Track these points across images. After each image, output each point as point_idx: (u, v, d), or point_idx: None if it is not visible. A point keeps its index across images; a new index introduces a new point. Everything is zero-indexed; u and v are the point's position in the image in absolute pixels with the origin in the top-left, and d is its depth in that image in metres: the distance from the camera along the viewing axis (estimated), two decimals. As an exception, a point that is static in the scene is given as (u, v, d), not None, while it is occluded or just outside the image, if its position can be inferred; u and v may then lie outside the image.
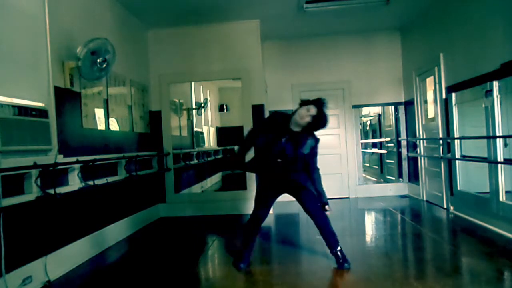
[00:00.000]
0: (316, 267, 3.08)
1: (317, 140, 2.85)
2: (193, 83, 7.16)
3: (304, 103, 2.76)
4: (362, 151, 7.25)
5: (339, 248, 2.96)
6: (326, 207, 2.92)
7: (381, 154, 7.70)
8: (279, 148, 2.80)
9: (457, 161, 4.63)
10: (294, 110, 2.86)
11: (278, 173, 2.91)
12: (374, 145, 8.55)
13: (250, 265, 3.10)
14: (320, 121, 2.73)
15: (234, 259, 3.14)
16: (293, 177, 2.91)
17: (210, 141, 8.41)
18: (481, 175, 4.09)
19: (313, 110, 2.70)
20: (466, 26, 4.35)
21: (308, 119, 2.70)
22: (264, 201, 3.02)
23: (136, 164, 4.56)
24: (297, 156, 2.81)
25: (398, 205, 5.61)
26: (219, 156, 8.40)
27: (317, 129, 2.78)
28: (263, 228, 3.24)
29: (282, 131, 2.81)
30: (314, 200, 2.94)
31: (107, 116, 4.16)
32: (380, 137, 7.79)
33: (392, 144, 6.85)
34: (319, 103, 2.72)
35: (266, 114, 5.63)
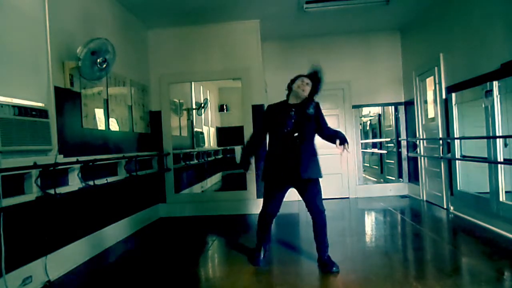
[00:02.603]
0: (316, 266, 3.07)
1: (317, 103, 3.02)
2: (193, 83, 7.16)
3: (295, 78, 3.01)
4: (362, 151, 7.24)
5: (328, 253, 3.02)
6: (345, 145, 2.90)
7: (381, 154, 7.69)
8: (289, 127, 2.91)
9: (457, 161, 4.63)
10: (288, 86, 3.04)
11: (294, 153, 2.89)
12: (374, 145, 8.55)
13: (267, 264, 3.13)
14: (317, 84, 2.98)
15: (249, 257, 3.21)
16: (304, 157, 2.89)
17: (210, 141, 8.41)
18: (481, 175, 4.09)
19: (306, 80, 2.96)
20: (466, 26, 4.35)
21: (307, 88, 2.94)
22: (272, 196, 3.02)
23: (136, 164, 4.56)
24: (307, 121, 2.93)
25: (398, 205, 5.61)
26: (219, 156, 8.40)
27: (317, 91, 3.00)
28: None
29: (287, 109, 2.96)
30: (319, 198, 2.97)
31: (107, 116, 4.16)
32: (380, 137, 7.79)
33: (392, 144, 6.85)
34: (311, 74, 3.00)
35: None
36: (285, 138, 2.93)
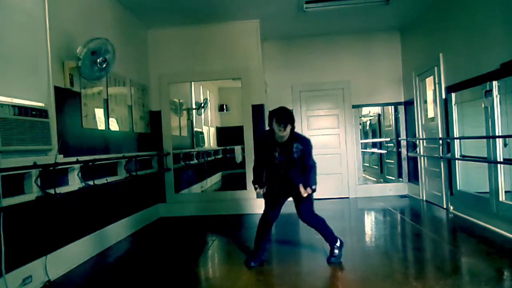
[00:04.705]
0: (316, 266, 3.08)
1: (304, 143, 3.04)
2: (193, 83, 7.16)
3: (272, 116, 2.95)
4: (362, 151, 7.24)
5: (337, 244, 3.16)
6: (307, 189, 2.96)
7: (381, 154, 7.69)
8: (277, 161, 3.06)
9: (456, 161, 4.63)
10: (269, 125, 3.00)
11: (282, 180, 3.11)
12: (374, 145, 8.55)
13: (262, 265, 3.15)
14: (291, 126, 2.97)
15: (247, 257, 3.24)
16: (294, 178, 3.05)
17: (210, 141, 8.41)
18: (481, 175, 4.09)
19: (281, 127, 2.91)
20: (466, 26, 4.35)
21: (285, 133, 2.94)
22: (274, 202, 3.19)
23: (136, 164, 4.56)
24: (291, 160, 3.04)
25: (398, 205, 5.61)
26: (219, 156, 8.40)
27: (292, 126, 2.99)
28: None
29: (273, 147, 3.06)
30: (309, 210, 3.15)
31: (107, 116, 4.16)
32: (380, 137, 7.79)
33: (392, 144, 6.85)
34: (281, 119, 2.91)
35: (266, 114, 5.62)
36: (274, 167, 3.10)
